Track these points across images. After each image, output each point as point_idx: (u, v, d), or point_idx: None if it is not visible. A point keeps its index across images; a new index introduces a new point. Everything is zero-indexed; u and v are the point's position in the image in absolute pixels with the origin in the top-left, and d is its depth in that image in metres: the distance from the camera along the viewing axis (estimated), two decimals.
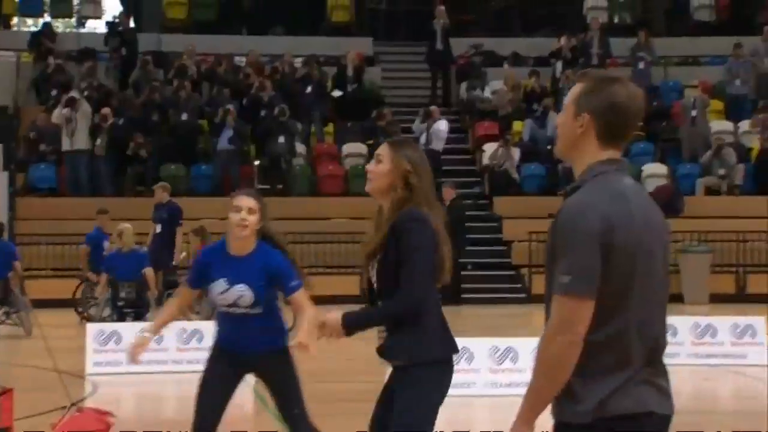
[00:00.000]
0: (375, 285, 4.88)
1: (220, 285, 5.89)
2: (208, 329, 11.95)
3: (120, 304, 14.27)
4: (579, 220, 3.14)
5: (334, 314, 4.73)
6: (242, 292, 5.85)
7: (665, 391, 3.21)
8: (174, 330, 11.95)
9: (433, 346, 4.80)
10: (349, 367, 13.03)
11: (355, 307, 17.44)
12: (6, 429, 7.04)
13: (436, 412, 4.83)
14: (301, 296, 5.99)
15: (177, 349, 11.86)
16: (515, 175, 22.95)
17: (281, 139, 22.37)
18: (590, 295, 3.09)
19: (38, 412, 9.26)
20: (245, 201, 5.89)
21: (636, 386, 3.12)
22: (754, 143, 23.43)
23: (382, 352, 4.83)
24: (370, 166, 4.84)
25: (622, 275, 3.12)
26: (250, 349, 5.92)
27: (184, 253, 16.67)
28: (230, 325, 5.96)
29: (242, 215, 5.83)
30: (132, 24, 27.05)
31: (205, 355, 11.62)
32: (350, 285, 20.79)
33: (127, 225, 14.32)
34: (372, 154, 20.21)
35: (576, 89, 3.32)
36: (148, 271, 14.14)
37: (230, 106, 22.49)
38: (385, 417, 4.89)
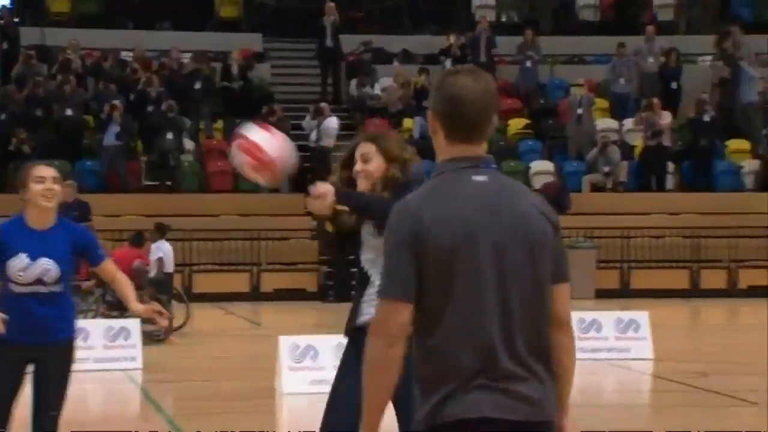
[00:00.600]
0: (367, 268, 4.80)
1: (20, 260, 5.50)
2: (135, 327, 11.77)
3: None
4: (391, 223, 3.07)
5: (323, 186, 4.74)
6: (48, 267, 5.48)
7: (520, 396, 3.03)
8: (101, 327, 11.82)
9: None
10: (237, 366, 12.94)
11: (244, 305, 17.30)
12: None
13: None
14: (110, 264, 5.76)
15: (103, 347, 11.69)
16: None
17: (169, 135, 22.10)
18: (402, 298, 3.00)
19: None
20: (48, 171, 5.62)
21: (469, 392, 3.00)
22: (638, 141, 23.93)
23: None
24: (359, 167, 4.86)
25: (441, 277, 3.01)
26: (44, 338, 5.49)
27: None
28: (25, 308, 5.49)
29: (47, 185, 5.56)
30: (15, 18, 26.43)
31: (131, 352, 11.49)
32: (240, 282, 20.67)
33: None
34: None
35: None
36: None
37: (117, 102, 22.14)
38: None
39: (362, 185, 4.86)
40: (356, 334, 4.74)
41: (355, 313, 4.82)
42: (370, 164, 4.85)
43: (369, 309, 4.63)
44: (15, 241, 5.55)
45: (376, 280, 4.64)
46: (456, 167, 3.14)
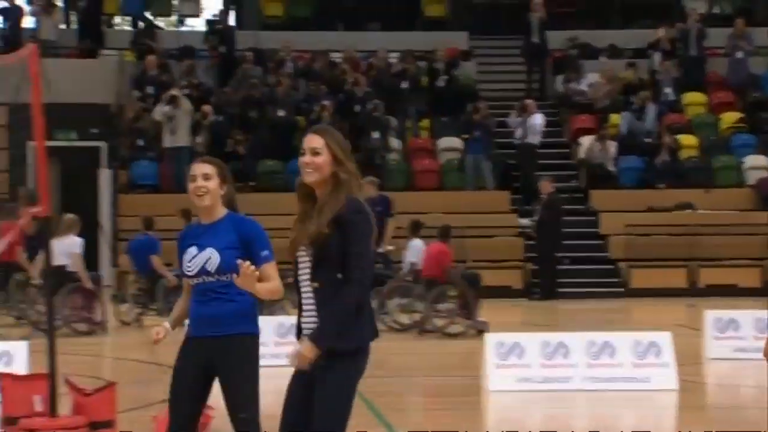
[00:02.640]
0: (300, 272, 4.94)
1: (190, 253, 5.54)
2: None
3: None
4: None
5: (303, 346, 4.81)
6: (210, 254, 5.47)
7: None
8: (272, 324, 12.08)
9: (367, 332, 4.96)
10: (446, 363, 13.07)
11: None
12: (109, 422, 7.22)
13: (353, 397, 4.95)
14: (271, 268, 5.48)
15: (275, 344, 11.84)
16: (612, 168, 22.75)
17: (376, 134, 22.49)
18: None
19: (140, 405, 9.47)
20: (200, 168, 5.61)
21: None
22: None
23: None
24: (307, 159, 4.89)
25: None
26: (219, 329, 5.47)
27: (392, 246, 16.88)
28: (200, 300, 5.51)
29: (198, 183, 5.55)
30: (231, 21, 27.42)
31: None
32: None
33: None
34: (468, 147, 20.24)
35: None
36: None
37: (326, 102, 22.67)
38: (303, 408, 4.92)
39: (310, 177, 4.88)
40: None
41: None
42: (318, 158, 4.88)
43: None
44: (188, 239, 5.64)
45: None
46: None
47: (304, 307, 4.95)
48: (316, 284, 4.85)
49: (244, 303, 5.49)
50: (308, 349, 4.78)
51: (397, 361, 13.04)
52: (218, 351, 5.46)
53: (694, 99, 24.52)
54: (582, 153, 23.08)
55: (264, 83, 23.88)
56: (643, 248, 21.09)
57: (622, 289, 20.94)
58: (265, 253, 5.48)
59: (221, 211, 5.60)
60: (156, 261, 15.95)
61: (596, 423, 9.49)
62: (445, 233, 15.44)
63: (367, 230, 4.85)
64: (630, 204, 21.87)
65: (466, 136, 22.74)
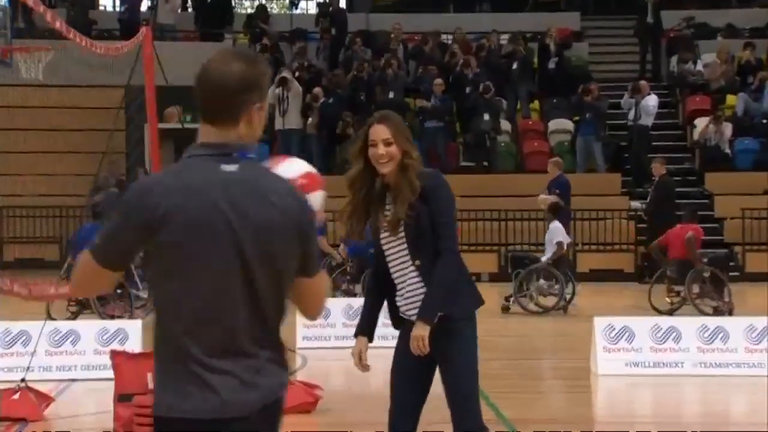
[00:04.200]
0: (391, 254, 4.97)
1: None
2: None
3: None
4: (131, 194, 3.00)
5: (414, 329, 4.91)
6: None
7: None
8: (340, 306, 12.06)
9: (476, 299, 5.11)
10: (555, 346, 13.00)
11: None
12: None
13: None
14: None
15: (383, 325, 11.84)
16: (727, 151, 22.30)
17: (486, 116, 22.40)
18: (99, 260, 3.01)
19: None
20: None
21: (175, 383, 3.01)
22: None
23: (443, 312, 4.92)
24: (382, 150, 4.89)
25: (167, 263, 2.98)
26: None
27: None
28: None
29: None
30: (342, 4, 27.54)
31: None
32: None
33: None
34: (579, 129, 20.00)
35: None
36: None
37: (438, 81, 22.64)
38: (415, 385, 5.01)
39: (387, 168, 4.89)
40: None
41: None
42: (392, 148, 4.89)
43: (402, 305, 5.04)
44: None
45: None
46: (198, 153, 3.02)
47: (406, 290, 4.99)
48: (418, 262, 4.90)
49: None
50: (420, 328, 4.85)
51: (505, 343, 13.01)
52: None
53: None
54: (696, 135, 22.67)
55: (374, 65, 23.95)
56: (759, 232, 20.65)
57: (738, 273, 20.53)
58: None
59: None
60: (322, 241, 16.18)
61: (707, 409, 9.35)
62: (693, 215, 15.52)
63: (449, 197, 4.94)
64: (746, 187, 21.44)
65: (577, 117, 22.51)
